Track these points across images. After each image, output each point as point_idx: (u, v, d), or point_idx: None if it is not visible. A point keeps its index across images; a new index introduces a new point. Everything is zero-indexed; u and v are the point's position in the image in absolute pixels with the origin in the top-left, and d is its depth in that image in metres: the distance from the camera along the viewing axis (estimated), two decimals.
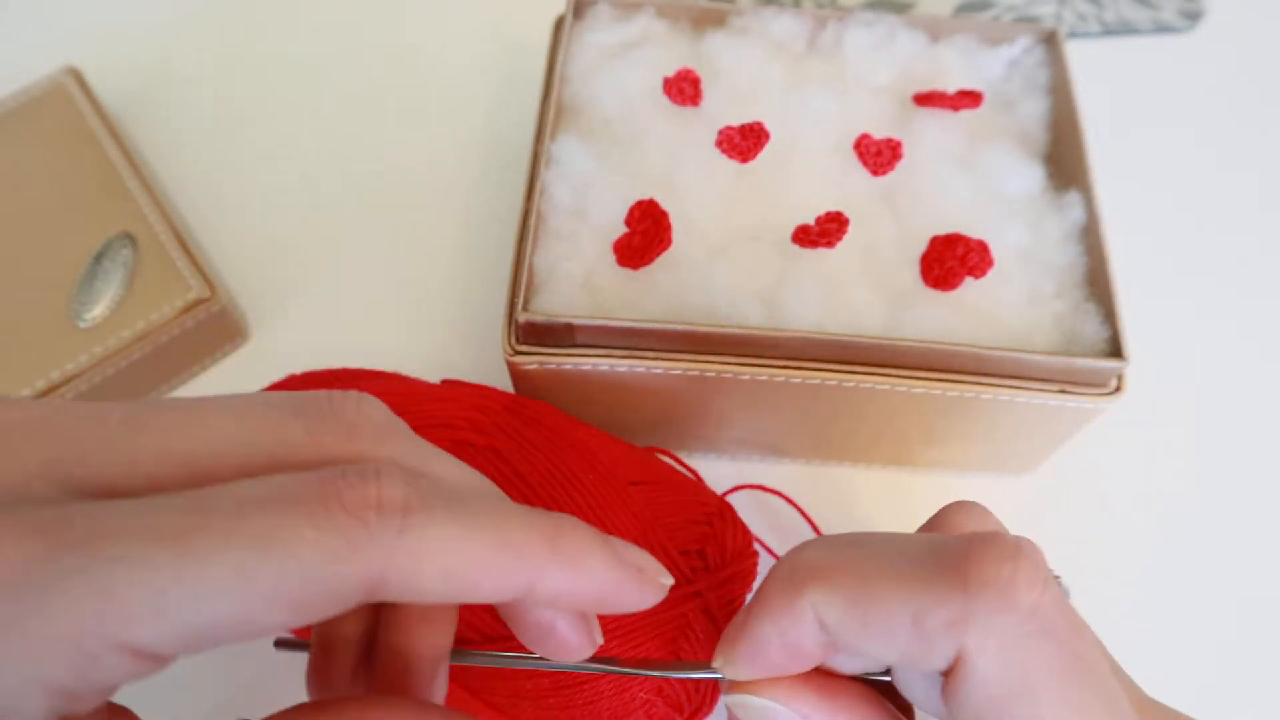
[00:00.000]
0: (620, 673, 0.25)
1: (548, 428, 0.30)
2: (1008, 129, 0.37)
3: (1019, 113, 0.37)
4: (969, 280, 0.32)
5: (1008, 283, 0.33)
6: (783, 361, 0.31)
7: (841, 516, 0.37)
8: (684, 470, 0.33)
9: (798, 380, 0.32)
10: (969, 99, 0.36)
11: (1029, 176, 0.35)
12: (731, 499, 0.34)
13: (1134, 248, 0.38)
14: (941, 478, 0.39)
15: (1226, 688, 0.36)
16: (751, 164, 0.34)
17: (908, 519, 0.38)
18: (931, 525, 0.25)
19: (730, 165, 0.34)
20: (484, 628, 0.27)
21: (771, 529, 0.37)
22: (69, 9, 0.50)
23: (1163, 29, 0.51)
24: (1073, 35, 0.50)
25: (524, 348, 0.32)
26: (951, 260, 0.32)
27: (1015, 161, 0.35)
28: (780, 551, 0.36)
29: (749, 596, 0.30)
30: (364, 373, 0.34)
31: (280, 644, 0.24)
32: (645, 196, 0.33)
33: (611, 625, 0.27)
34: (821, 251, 0.32)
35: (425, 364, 0.37)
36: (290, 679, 0.24)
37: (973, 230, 0.32)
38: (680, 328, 0.30)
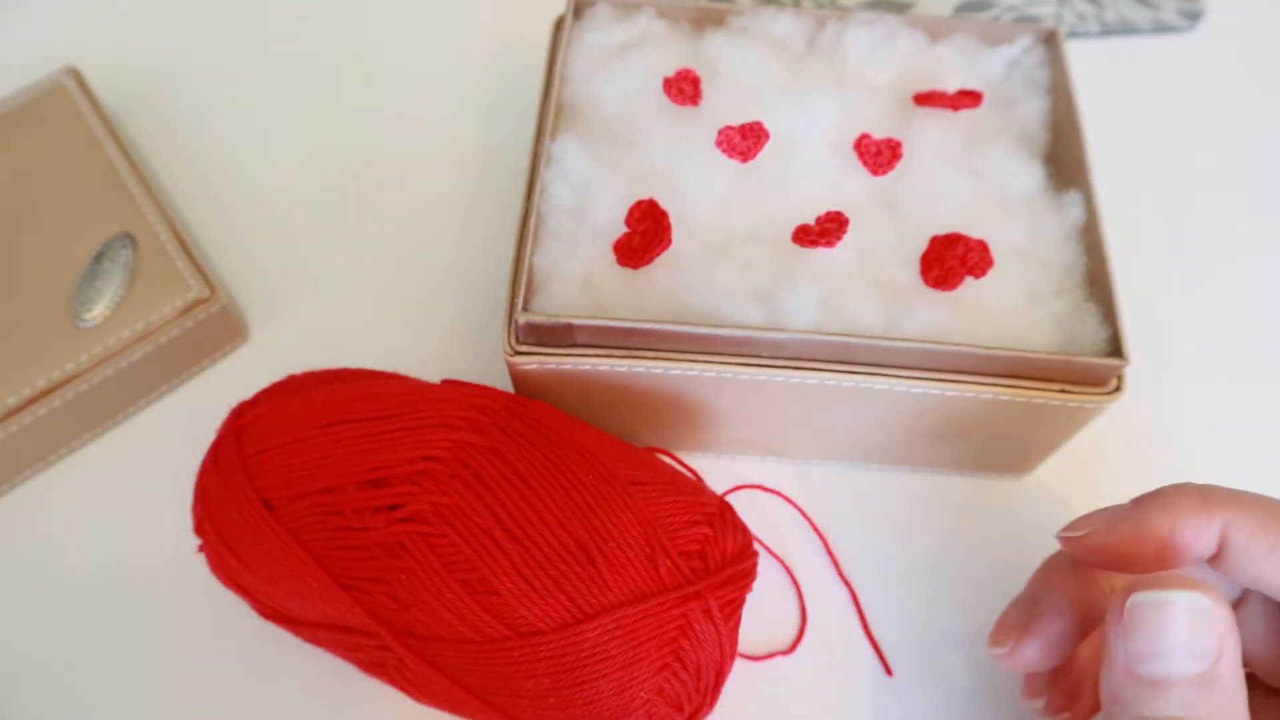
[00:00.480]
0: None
1: (548, 428, 0.30)
2: (1007, 129, 0.37)
3: (1019, 112, 0.37)
4: (969, 280, 0.32)
5: (1008, 282, 0.33)
6: (782, 361, 0.31)
7: (841, 516, 0.37)
8: (684, 470, 0.33)
9: (797, 380, 0.32)
10: (969, 99, 0.36)
11: (1029, 176, 0.35)
12: (731, 499, 0.34)
13: (1134, 248, 0.38)
14: (941, 478, 0.39)
15: None
16: (751, 164, 0.34)
17: (908, 519, 0.38)
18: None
19: (730, 165, 0.34)
20: (484, 627, 0.27)
21: (771, 529, 0.37)
22: (69, 9, 0.50)
23: (1162, 29, 0.51)
24: (1072, 35, 0.50)
25: (524, 348, 0.32)
26: (951, 260, 0.32)
27: (1015, 161, 0.35)
28: (780, 552, 0.36)
29: (749, 596, 0.30)
30: (364, 373, 0.34)
31: None
32: (645, 196, 0.33)
33: (611, 625, 0.27)
34: (821, 251, 0.32)
35: (425, 364, 0.37)
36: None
37: (972, 230, 0.32)
38: (680, 328, 0.30)
